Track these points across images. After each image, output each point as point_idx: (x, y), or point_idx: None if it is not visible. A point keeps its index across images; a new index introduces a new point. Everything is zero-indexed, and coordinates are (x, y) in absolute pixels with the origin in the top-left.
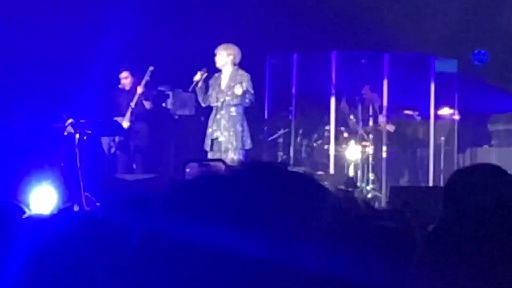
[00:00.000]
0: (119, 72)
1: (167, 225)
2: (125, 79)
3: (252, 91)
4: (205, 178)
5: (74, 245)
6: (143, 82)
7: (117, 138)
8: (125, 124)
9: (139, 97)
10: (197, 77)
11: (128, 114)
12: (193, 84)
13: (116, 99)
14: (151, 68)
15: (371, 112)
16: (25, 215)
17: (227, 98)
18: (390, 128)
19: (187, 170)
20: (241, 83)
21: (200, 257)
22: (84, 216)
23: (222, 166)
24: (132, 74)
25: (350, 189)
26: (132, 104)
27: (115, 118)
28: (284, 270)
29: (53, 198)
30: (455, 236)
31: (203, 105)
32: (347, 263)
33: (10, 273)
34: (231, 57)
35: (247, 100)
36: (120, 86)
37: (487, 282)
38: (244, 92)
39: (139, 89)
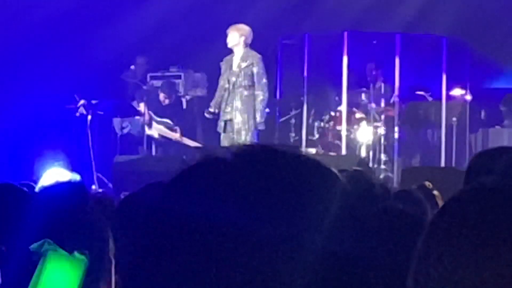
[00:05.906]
0: (134, 58)
1: (173, 204)
2: (141, 65)
3: (263, 72)
4: (209, 162)
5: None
6: (179, 132)
7: (128, 120)
8: (137, 106)
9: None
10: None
11: (142, 104)
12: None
13: (127, 80)
14: None
15: (383, 93)
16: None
17: (239, 79)
18: (397, 109)
19: None
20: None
21: (203, 236)
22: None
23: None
24: (147, 61)
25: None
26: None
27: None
28: (288, 255)
29: (65, 179)
30: (466, 216)
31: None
32: (354, 246)
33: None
34: (243, 38)
35: (264, 93)
36: (132, 67)
37: (494, 269)
38: (262, 98)
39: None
